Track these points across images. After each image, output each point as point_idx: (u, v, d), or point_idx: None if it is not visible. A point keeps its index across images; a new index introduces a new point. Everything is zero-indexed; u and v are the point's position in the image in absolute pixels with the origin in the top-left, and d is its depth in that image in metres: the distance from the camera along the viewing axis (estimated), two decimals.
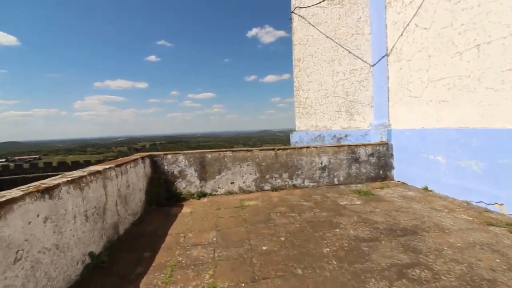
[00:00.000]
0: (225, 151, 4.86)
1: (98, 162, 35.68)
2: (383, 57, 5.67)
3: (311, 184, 5.15)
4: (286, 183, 5.05)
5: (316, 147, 5.16)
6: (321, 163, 5.17)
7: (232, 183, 4.87)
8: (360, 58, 6.22)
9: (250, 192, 4.89)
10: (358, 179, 5.36)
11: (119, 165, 3.23)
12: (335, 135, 6.56)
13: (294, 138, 7.18)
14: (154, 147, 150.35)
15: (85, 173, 2.53)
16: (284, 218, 3.58)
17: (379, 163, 5.44)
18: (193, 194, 4.70)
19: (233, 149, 4.89)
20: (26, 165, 31.55)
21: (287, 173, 5.04)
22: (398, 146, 5.36)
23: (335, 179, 5.25)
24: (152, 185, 4.39)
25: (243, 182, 4.90)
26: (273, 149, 5.01)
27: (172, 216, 3.80)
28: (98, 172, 2.72)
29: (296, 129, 7.28)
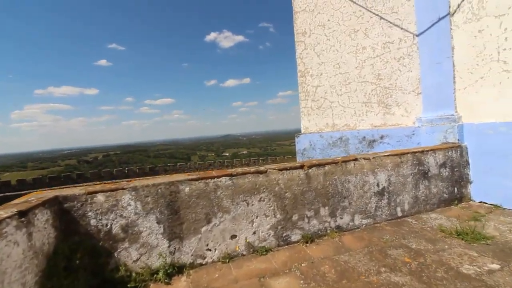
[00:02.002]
0: (218, 176, 2.51)
1: (49, 176, 29.75)
2: (441, 18, 3.84)
3: (364, 221, 3.04)
4: (327, 224, 2.87)
5: (369, 159, 3.08)
6: (378, 185, 3.10)
7: (233, 237, 2.53)
8: (397, 26, 4.34)
9: (267, 250, 2.60)
10: (428, 204, 3.40)
11: None
12: (364, 137, 4.59)
13: (301, 144, 5.05)
14: (107, 158, 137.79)
15: None
16: None
17: (452, 176, 3.56)
18: (156, 272, 2.26)
19: (233, 171, 2.57)
20: None
21: (326, 207, 2.86)
22: (478, 148, 3.54)
23: (398, 209, 3.22)
24: (56, 271, 1.87)
25: (254, 233, 2.60)
26: (301, 167, 2.79)
27: None
28: None
29: (303, 130, 5.17)
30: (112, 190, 2.25)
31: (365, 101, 4.62)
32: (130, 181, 2.42)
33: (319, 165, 2.85)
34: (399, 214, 3.22)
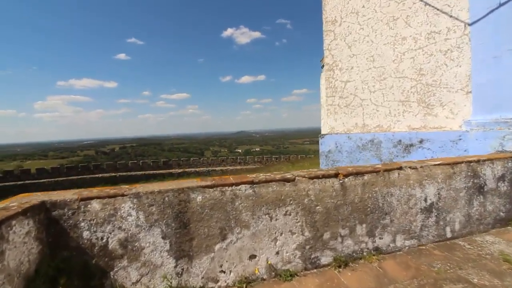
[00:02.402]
0: (237, 183, 2.09)
1: (66, 166, 30.64)
2: (502, 4, 3.23)
3: (406, 242, 2.54)
4: (363, 245, 2.40)
5: (416, 168, 2.56)
6: (425, 199, 2.59)
7: (252, 257, 2.11)
8: (446, 13, 3.75)
9: (292, 275, 2.16)
10: (482, 224, 2.85)
11: None
12: (400, 141, 4.03)
13: (325, 146, 4.55)
14: (124, 150, 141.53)
15: None
16: None
17: (511, 192, 2.98)
18: None
19: (254, 178, 2.14)
20: None
21: (364, 225, 2.39)
22: None
23: (447, 228, 2.69)
24: None
25: (277, 253, 2.17)
26: (336, 175, 2.33)
27: None
28: None
29: (328, 130, 4.67)
30: (110, 197, 1.88)
31: (403, 99, 4.06)
32: (133, 185, 2.04)
33: (357, 173, 2.37)
34: (448, 235, 2.69)
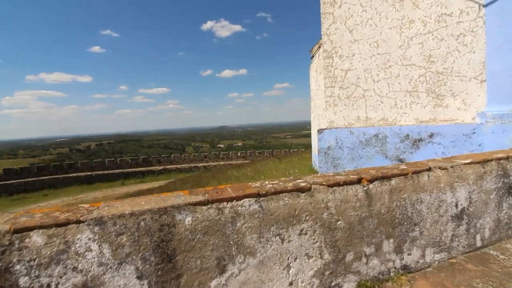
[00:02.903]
0: (238, 197, 1.56)
1: (37, 165, 28.43)
2: None
3: (436, 256, 2.16)
4: (390, 264, 1.98)
5: (446, 168, 2.17)
6: (456, 205, 2.21)
7: None
8: None
9: None
10: (510, 229, 2.54)
11: None
12: (407, 135, 3.68)
13: (324, 142, 4.12)
14: (101, 147, 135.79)
15: None
16: None
17: None
18: None
19: (259, 188, 1.64)
20: None
21: (391, 240, 1.97)
22: None
23: (478, 236, 2.34)
24: None
25: (290, 284, 1.69)
26: (359, 181, 1.87)
27: None
28: None
29: (327, 124, 4.24)
30: (59, 225, 1.30)
31: (410, 89, 3.70)
32: (94, 205, 1.47)
33: (383, 178, 1.93)
34: (478, 243, 2.35)
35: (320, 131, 4.23)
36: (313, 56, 8.07)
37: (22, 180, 25.64)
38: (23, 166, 29.20)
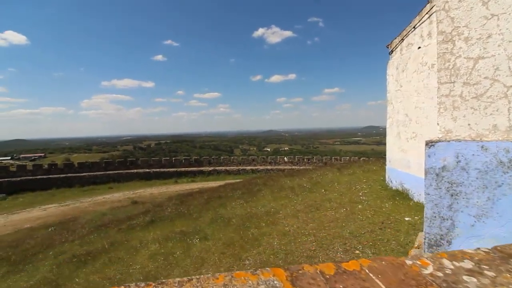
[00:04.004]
0: None
1: (105, 161, 32.07)
2: None
3: None
4: None
5: None
6: None
7: None
8: None
9: None
10: None
11: None
12: None
13: (436, 160, 2.94)
14: (159, 146, 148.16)
15: None
16: None
17: None
18: None
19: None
20: (29, 165, 28.12)
21: None
22: None
23: None
24: None
25: None
26: None
27: None
28: None
29: (442, 135, 3.06)
30: None
31: None
32: None
33: None
34: None
35: (430, 143, 3.06)
36: (392, 51, 6.76)
37: (92, 173, 28.72)
38: (94, 161, 32.83)
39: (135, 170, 30.48)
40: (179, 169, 31.50)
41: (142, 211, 11.38)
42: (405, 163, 6.05)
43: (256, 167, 32.51)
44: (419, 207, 5.38)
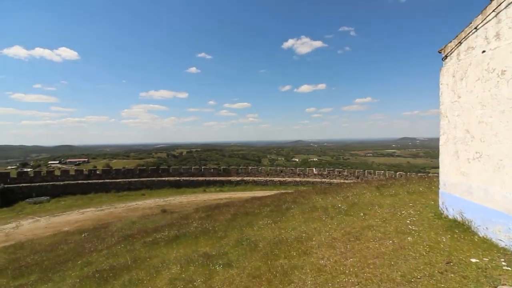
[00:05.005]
0: None
1: (139, 167, 33.57)
2: None
3: None
4: None
5: None
6: None
7: None
8: None
9: None
10: None
11: None
12: None
13: None
14: (190, 154, 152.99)
15: None
16: None
17: None
18: None
19: None
20: (72, 170, 30.38)
21: None
22: None
23: None
24: None
25: None
26: None
27: None
28: None
29: None
30: None
31: None
32: None
33: None
34: None
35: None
36: (446, 57, 5.85)
37: (127, 179, 29.98)
38: (129, 168, 34.40)
39: (166, 178, 31.28)
40: (207, 178, 31.75)
41: (169, 223, 11.26)
42: (465, 189, 5.06)
43: (284, 179, 31.61)
44: (487, 245, 4.38)
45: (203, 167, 35.96)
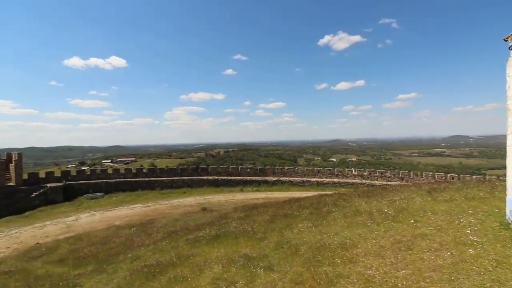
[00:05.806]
0: None
1: (180, 166, 35.58)
2: None
3: None
4: None
5: None
6: None
7: None
8: None
9: None
10: None
11: None
12: None
13: None
14: (227, 154, 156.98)
15: None
16: None
17: None
18: None
19: None
20: (122, 169, 33.37)
21: None
22: None
23: None
24: None
25: None
26: None
27: None
28: None
29: None
30: None
31: None
32: None
33: None
34: None
35: None
36: (511, 47, 5.09)
37: (170, 178, 31.77)
38: (171, 167, 36.39)
39: (206, 177, 32.45)
40: (244, 178, 32.20)
41: (209, 221, 11.63)
42: None
43: (321, 179, 30.68)
44: None
45: (240, 166, 36.60)
